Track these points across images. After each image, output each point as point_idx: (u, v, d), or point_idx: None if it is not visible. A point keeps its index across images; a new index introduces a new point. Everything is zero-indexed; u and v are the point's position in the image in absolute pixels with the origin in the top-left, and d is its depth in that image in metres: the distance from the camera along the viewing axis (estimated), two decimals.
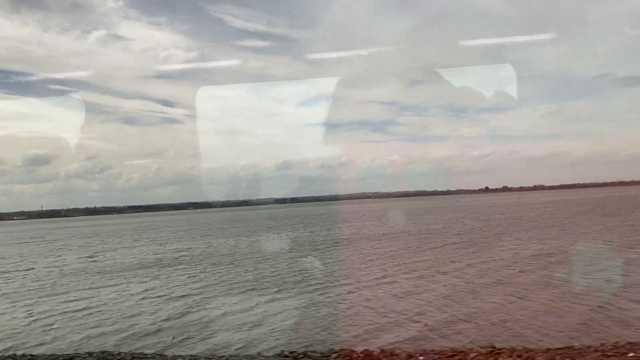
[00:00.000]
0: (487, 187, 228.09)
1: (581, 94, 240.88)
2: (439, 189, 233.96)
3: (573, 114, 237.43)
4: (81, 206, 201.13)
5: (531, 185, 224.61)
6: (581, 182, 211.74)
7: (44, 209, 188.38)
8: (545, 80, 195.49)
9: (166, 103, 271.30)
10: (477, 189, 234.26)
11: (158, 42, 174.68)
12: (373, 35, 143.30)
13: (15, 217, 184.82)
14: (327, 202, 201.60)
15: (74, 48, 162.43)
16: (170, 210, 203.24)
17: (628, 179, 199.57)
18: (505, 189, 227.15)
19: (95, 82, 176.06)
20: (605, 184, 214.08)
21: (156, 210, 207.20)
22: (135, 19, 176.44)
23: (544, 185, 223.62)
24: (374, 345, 11.12)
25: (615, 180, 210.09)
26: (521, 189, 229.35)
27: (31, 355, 8.03)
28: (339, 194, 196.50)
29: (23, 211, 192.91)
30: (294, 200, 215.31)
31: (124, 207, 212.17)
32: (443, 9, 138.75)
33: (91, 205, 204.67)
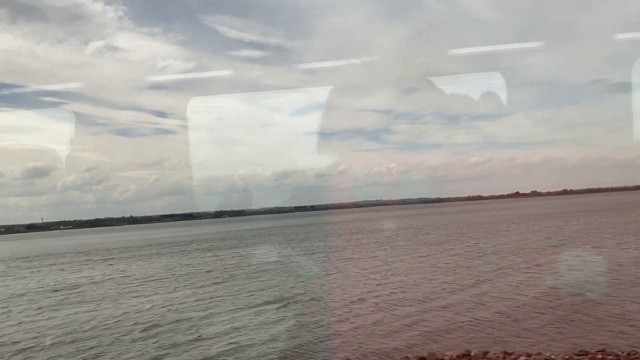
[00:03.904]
0: (517, 192, 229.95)
1: (575, 100, 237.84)
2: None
3: (567, 119, 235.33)
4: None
5: (560, 189, 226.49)
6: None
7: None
8: (539, 87, 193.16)
9: (160, 114, 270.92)
10: (506, 194, 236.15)
11: (152, 52, 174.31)
12: (367, 44, 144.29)
13: (62, 227, 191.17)
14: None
15: (67, 60, 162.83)
16: (209, 217, 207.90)
17: (620, 184, 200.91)
18: (534, 194, 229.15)
19: (88, 93, 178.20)
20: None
21: (192, 219, 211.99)
22: (130, 30, 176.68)
23: (572, 190, 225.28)
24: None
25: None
26: (549, 193, 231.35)
27: None
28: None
29: (67, 220, 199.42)
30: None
31: (159, 216, 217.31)
32: (437, 18, 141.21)
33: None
